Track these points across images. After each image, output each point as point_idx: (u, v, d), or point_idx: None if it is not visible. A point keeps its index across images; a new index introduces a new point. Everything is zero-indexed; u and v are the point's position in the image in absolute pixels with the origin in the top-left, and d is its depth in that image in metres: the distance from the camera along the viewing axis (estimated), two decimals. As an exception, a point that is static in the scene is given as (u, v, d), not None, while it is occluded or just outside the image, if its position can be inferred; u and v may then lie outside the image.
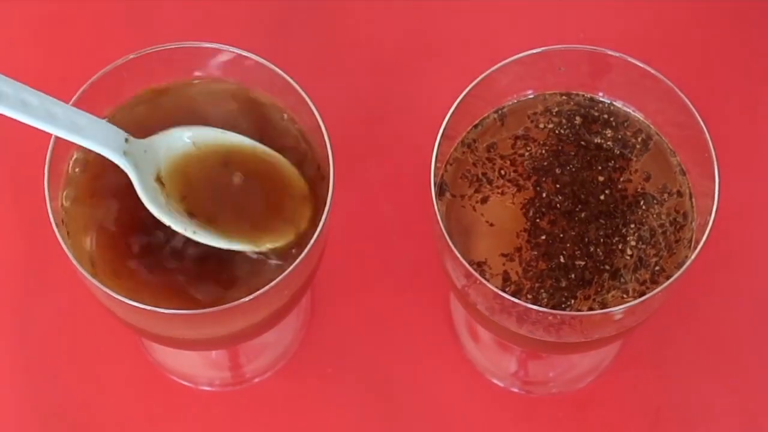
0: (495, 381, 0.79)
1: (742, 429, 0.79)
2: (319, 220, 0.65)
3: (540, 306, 0.64)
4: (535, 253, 0.67)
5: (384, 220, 0.82)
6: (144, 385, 0.79)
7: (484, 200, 0.69)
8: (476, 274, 0.64)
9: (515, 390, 0.79)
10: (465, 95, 0.68)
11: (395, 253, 0.81)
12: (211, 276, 0.67)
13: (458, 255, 0.64)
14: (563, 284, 0.67)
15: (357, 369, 0.79)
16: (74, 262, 0.65)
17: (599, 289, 0.67)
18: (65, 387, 0.79)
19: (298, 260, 0.64)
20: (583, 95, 0.71)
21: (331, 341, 0.80)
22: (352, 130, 0.83)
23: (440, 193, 0.69)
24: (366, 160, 0.83)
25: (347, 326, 0.80)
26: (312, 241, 0.65)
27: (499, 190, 0.69)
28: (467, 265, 0.64)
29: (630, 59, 0.68)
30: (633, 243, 0.67)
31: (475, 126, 0.71)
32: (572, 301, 0.67)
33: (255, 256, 0.67)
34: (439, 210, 0.66)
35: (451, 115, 0.68)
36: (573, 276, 0.67)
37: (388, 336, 0.80)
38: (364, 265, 0.81)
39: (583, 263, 0.67)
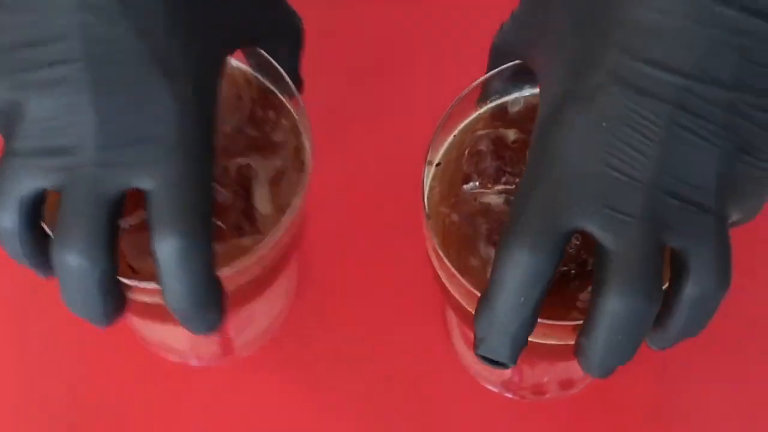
0: (489, 387, 0.79)
1: (741, 429, 0.79)
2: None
3: None
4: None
5: (380, 223, 0.82)
6: (131, 360, 0.79)
7: (484, 196, 0.69)
8: (452, 268, 0.64)
9: (509, 396, 0.79)
10: (465, 95, 0.68)
11: (390, 256, 0.81)
12: None
13: (442, 255, 0.64)
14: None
15: (351, 374, 0.79)
16: None
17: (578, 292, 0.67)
18: (52, 362, 0.79)
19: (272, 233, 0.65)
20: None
21: (326, 347, 0.80)
22: (351, 129, 0.84)
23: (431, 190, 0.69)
24: (366, 159, 0.83)
25: (342, 331, 0.80)
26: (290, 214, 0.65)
27: (502, 182, 0.69)
28: (446, 260, 0.64)
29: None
30: None
31: (475, 125, 0.70)
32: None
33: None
34: (428, 214, 0.65)
35: (448, 116, 0.68)
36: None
37: (382, 342, 0.80)
38: (359, 270, 0.81)
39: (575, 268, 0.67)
